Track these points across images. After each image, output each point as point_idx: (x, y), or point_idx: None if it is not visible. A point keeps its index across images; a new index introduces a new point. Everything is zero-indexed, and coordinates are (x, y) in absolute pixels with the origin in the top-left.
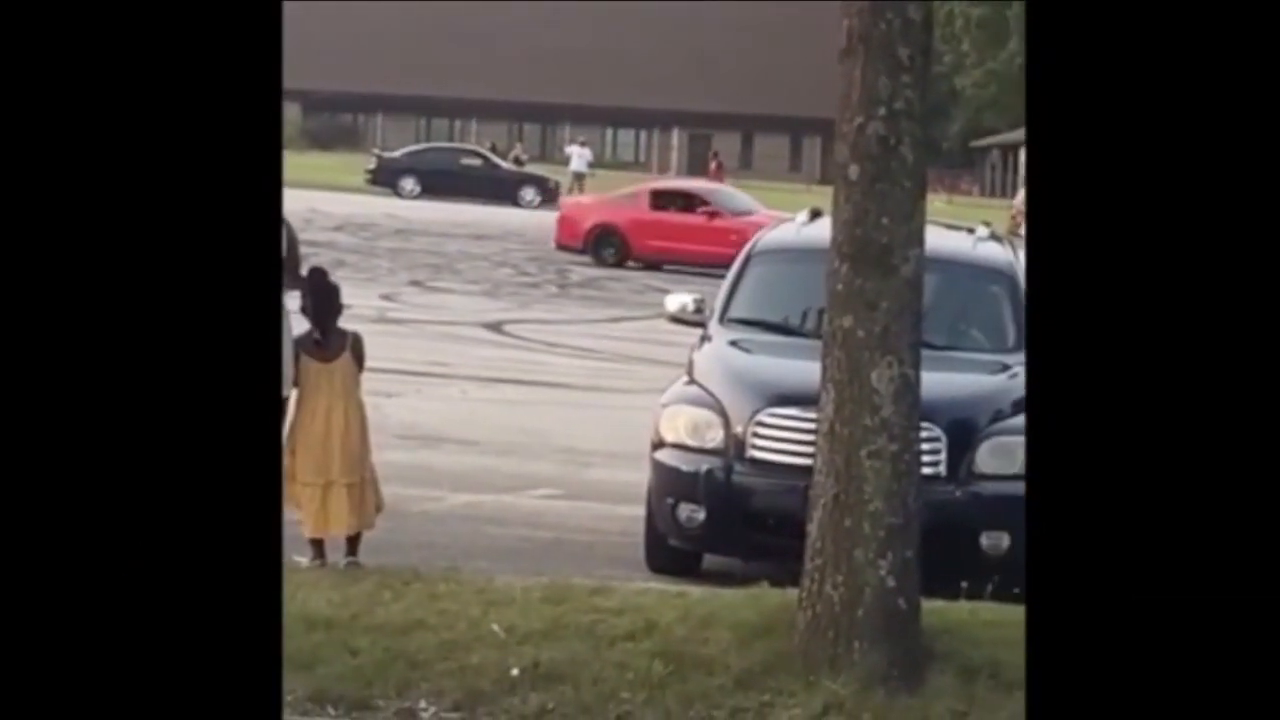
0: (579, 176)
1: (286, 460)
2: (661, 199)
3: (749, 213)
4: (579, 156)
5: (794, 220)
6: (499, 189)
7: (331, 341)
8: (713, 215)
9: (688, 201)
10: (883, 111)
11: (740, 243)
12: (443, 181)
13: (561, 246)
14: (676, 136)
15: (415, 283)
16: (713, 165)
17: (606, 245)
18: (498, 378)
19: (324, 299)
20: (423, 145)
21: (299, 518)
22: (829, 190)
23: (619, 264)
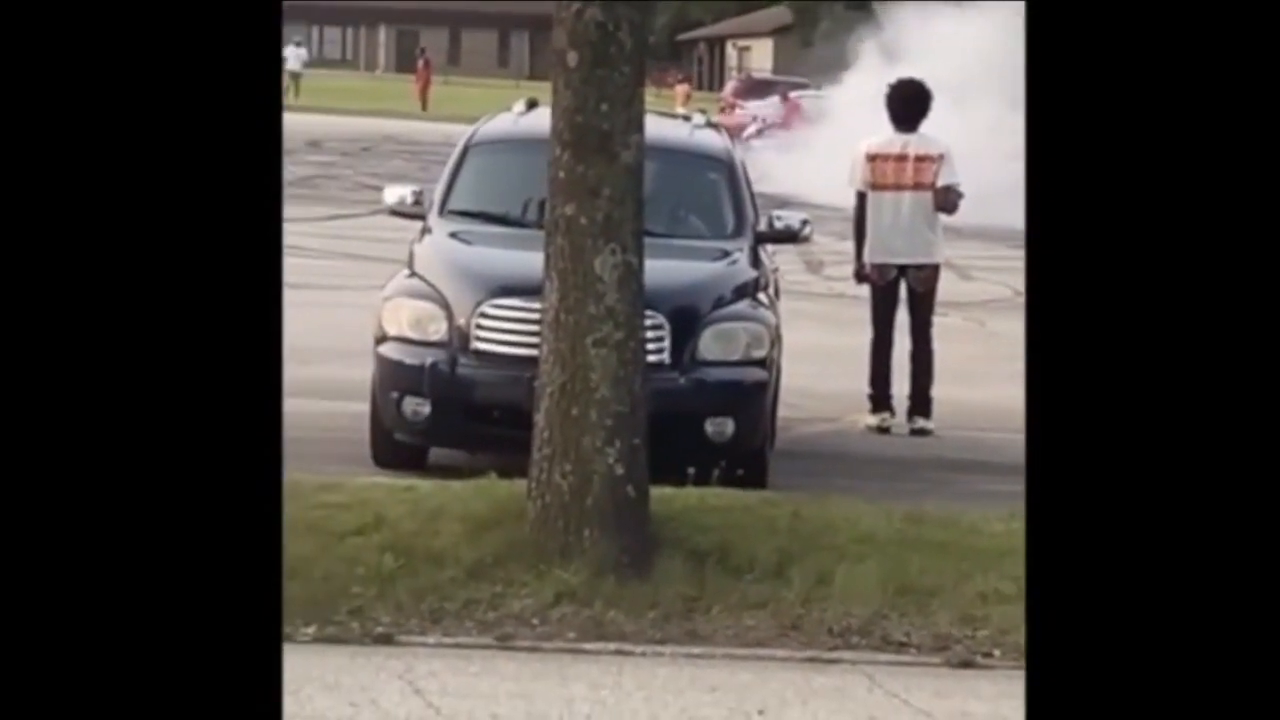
0: (295, 76)
1: None
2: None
3: None
4: (294, 56)
5: (511, 110)
6: None
7: None
8: None
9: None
10: None
11: None
12: None
13: None
14: (384, 33)
15: None
16: (420, 63)
17: None
18: None
19: None
20: None
21: None
22: (538, 85)
23: None
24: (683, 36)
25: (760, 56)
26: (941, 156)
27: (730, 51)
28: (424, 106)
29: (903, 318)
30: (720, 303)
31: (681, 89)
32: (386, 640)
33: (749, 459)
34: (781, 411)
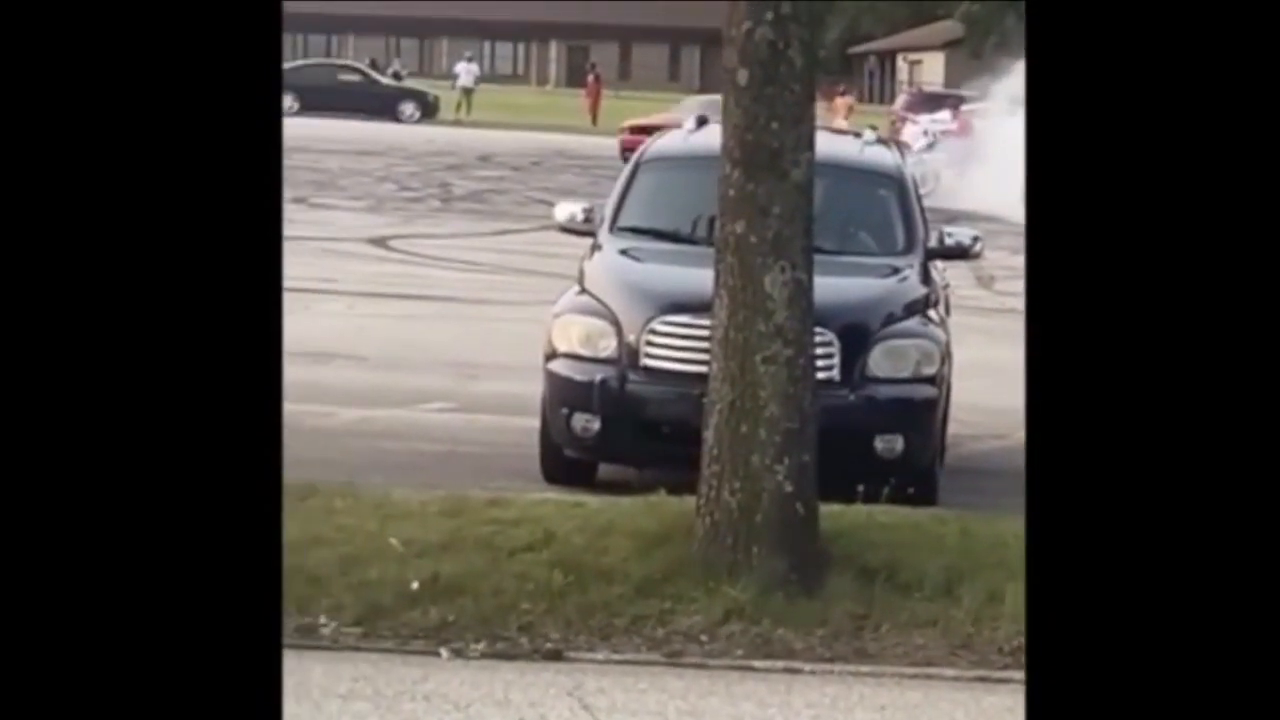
0: (467, 92)
1: None
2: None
3: None
4: (466, 72)
5: (681, 128)
6: (378, 104)
7: None
8: None
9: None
10: (770, 16)
11: None
12: (321, 98)
13: None
14: (555, 48)
15: (298, 200)
16: (590, 77)
17: None
18: (384, 293)
19: None
20: (300, 62)
21: None
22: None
23: None
24: (853, 50)
25: (931, 70)
26: None
27: (901, 65)
28: (594, 121)
29: None
30: (890, 319)
31: (842, 102)
32: (555, 656)
33: (919, 476)
34: (951, 428)
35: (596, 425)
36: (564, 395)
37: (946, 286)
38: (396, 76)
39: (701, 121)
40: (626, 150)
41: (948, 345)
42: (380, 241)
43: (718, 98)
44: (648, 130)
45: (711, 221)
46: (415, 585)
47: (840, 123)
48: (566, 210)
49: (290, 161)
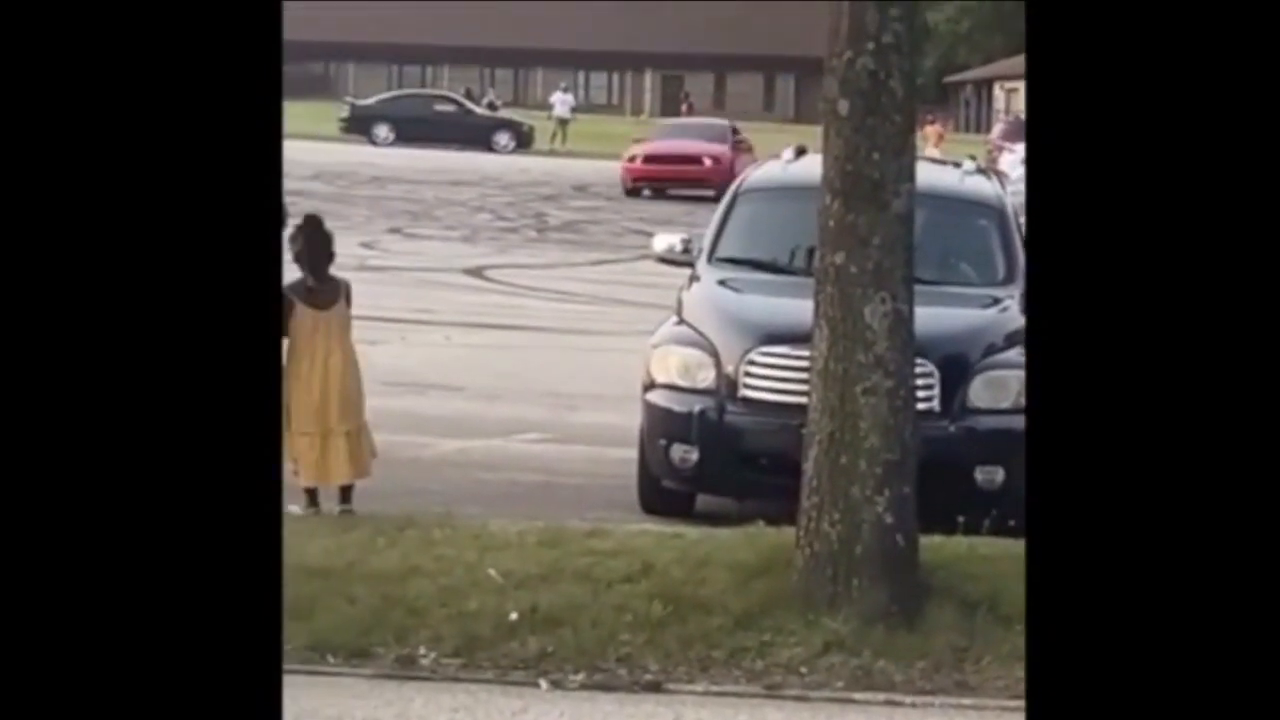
0: (563, 122)
1: None
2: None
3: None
4: (562, 102)
5: (780, 157)
6: (473, 134)
7: (326, 289)
8: None
9: None
10: (871, 46)
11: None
12: (417, 128)
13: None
14: (649, 78)
15: (394, 230)
16: (684, 107)
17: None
18: (481, 323)
19: (319, 246)
20: (396, 92)
21: (294, 467)
22: (803, 128)
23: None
24: (950, 79)
25: None
26: None
27: (998, 94)
28: None
29: None
30: (991, 350)
31: (933, 130)
32: (655, 688)
33: (1019, 508)
34: None
35: (695, 456)
36: (662, 426)
37: None
38: (492, 107)
39: (800, 151)
40: (637, 181)
41: None
42: (476, 272)
43: (686, 120)
44: (658, 160)
45: (810, 252)
46: (514, 616)
47: (932, 151)
48: (665, 241)
49: (386, 192)
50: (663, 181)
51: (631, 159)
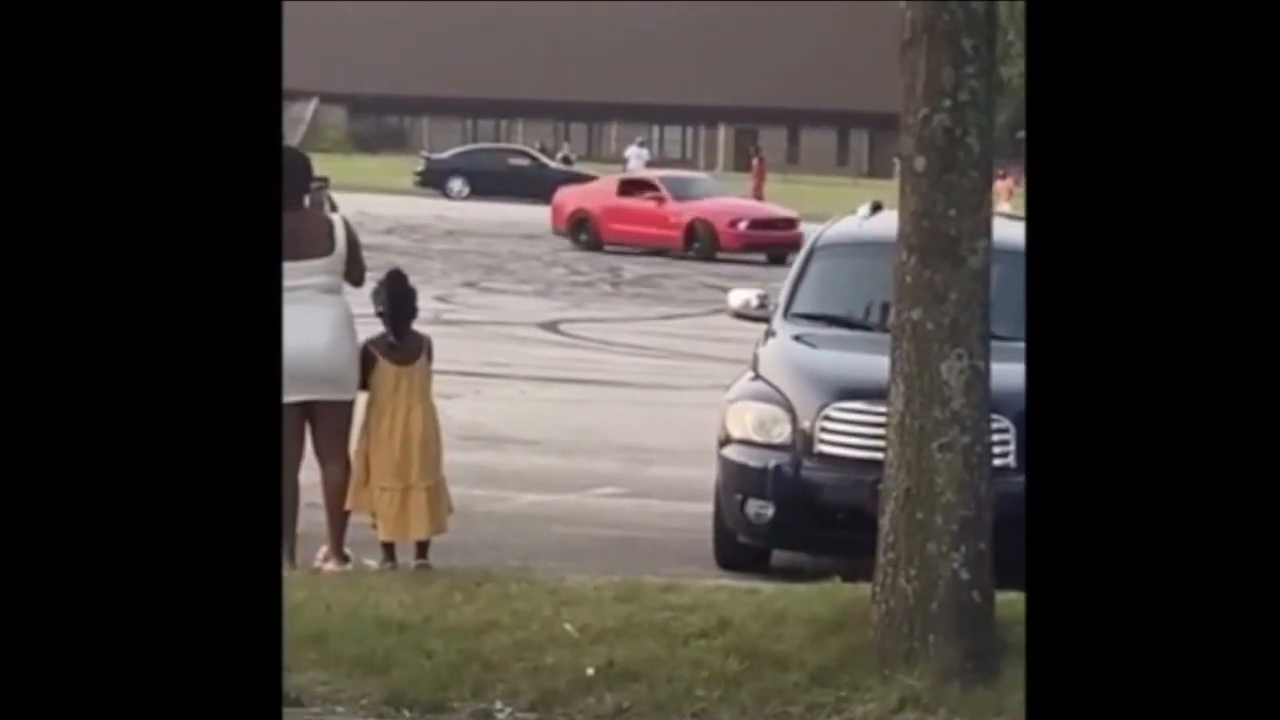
0: None
1: (357, 464)
2: (626, 187)
3: (701, 197)
4: (636, 156)
5: (855, 214)
6: (548, 189)
7: (408, 344)
8: (660, 201)
9: (646, 189)
10: (948, 103)
11: (679, 225)
12: (491, 182)
13: (556, 231)
14: (723, 132)
15: (469, 284)
16: (755, 161)
17: (581, 230)
18: (556, 377)
19: (402, 301)
20: (470, 146)
21: (372, 521)
22: (877, 183)
23: (594, 247)
24: (1023, 134)
25: None
26: None
27: None
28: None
29: None
30: None
31: (1004, 185)
32: None
33: None
34: None
35: (771, 511)
36: (738, 481)
37: None
38: (566, 161)
39: (876, 207)
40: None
41: None
42: (551, 326)
43: (667, 173)
44: (762, 225)
45: (885, 307)
46: (590, 671)
47: (1003, 206)
48: (741, 296)
49: (460, 246)
50: (767, 247)
51: (732, 223)
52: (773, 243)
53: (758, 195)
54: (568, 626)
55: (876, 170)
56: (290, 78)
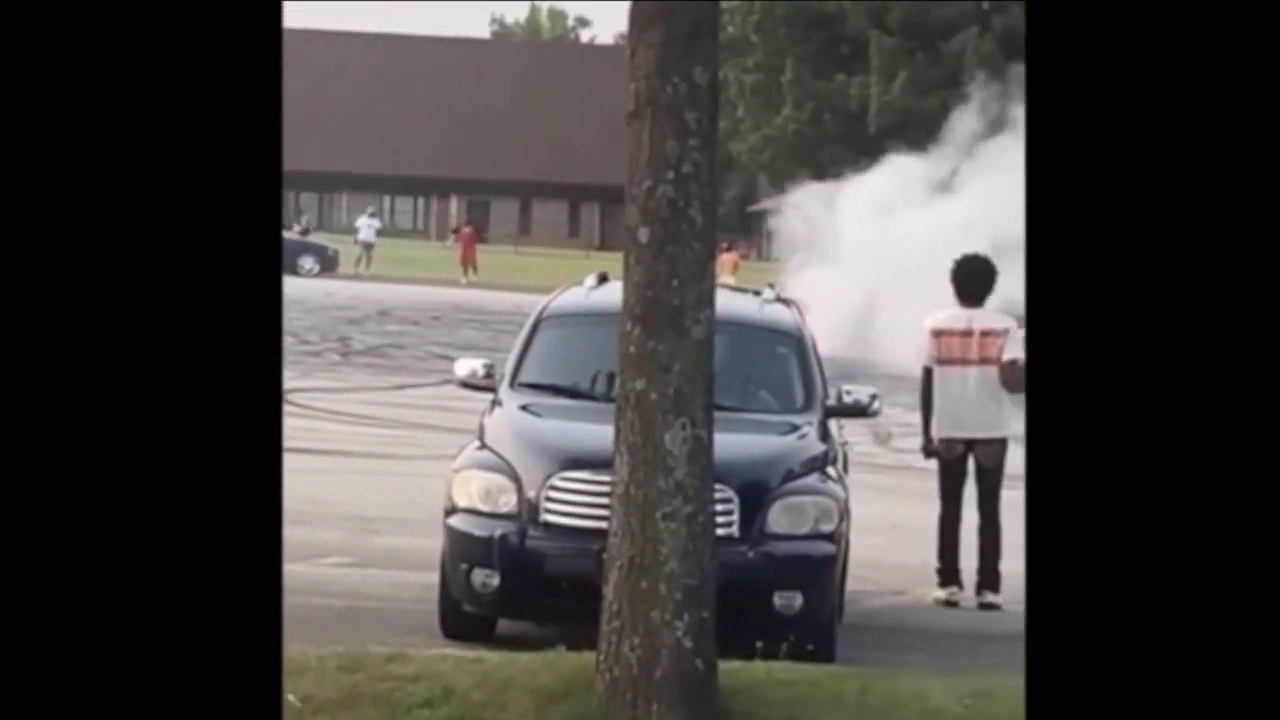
0: (368, 246)
1: None
2: None
3: None
4: (368, 227)
5: (582, 284)
6: (286, 259)
7: None
8: None
9: None
10: (671, 175)
11: None
12: None
13: None
14: (455, 203)
15: None
16: (464, 230)
17: None
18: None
19: None
20: None
21: None
22: (609, 255)
23: None
24: (753, 208)
25: None
26: (1007, 331)
27: None
28: (474, 271)
29: (971, 492)
30: (789, 476)
31: (729, 258)
32: None
33: (817, 633)
34: (850, 585)
35: (496, 581)
36: (463, 550)
37: (845, 444)
38: (304, 232)
39: (602, 279)
40: None
41: (846, 502)
42: None
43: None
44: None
45: (611, 377)
46: None
47: (727, 279)
48: (467, 366)
49: None
50: None
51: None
52: None
53: (465, 263)
54: (290, 697)
55: (609, 243)
56: None
